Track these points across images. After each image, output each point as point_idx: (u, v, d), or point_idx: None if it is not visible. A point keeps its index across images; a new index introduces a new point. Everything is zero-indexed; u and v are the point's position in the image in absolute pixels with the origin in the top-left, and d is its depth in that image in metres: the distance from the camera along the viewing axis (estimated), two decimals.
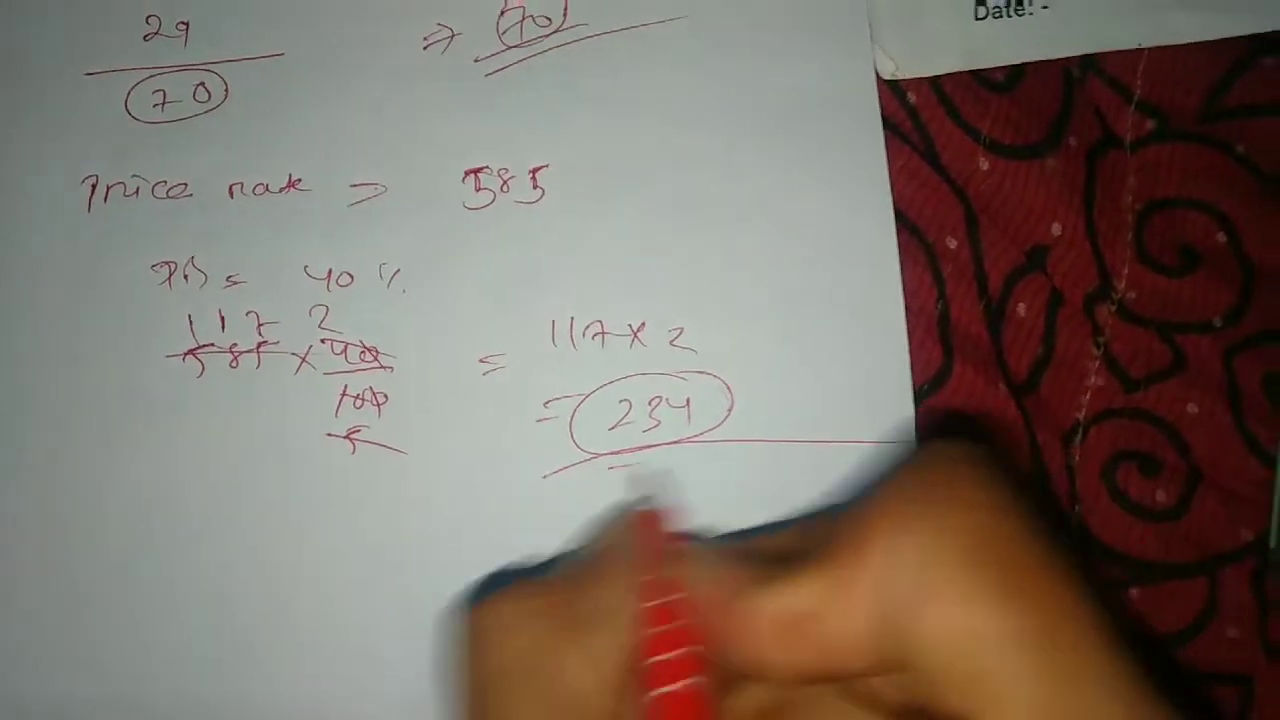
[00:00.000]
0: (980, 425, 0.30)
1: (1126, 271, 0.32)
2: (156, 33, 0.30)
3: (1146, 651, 0.27)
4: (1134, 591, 0.30)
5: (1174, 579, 0.30)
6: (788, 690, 0.20)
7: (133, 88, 0.29)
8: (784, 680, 0.19)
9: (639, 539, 0.22)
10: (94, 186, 0.29)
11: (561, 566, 0.22)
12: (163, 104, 0.29)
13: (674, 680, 0.19)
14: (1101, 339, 0.31)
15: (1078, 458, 0.30)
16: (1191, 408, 0.31)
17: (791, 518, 0.27)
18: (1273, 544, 0.30)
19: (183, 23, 0.30)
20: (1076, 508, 0.30)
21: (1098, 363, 0.31)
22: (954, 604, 0.17)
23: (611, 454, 0.28)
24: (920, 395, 0.29)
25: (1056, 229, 0.31)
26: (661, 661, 0.19)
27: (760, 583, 0.19)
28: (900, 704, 0.19)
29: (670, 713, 0.19)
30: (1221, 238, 0.32)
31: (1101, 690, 0.16)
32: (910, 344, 0.29)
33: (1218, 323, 0.32)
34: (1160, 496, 0.30)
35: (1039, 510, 0.18)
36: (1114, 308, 0.31)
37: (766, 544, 0.22)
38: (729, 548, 0.21)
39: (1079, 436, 0.31)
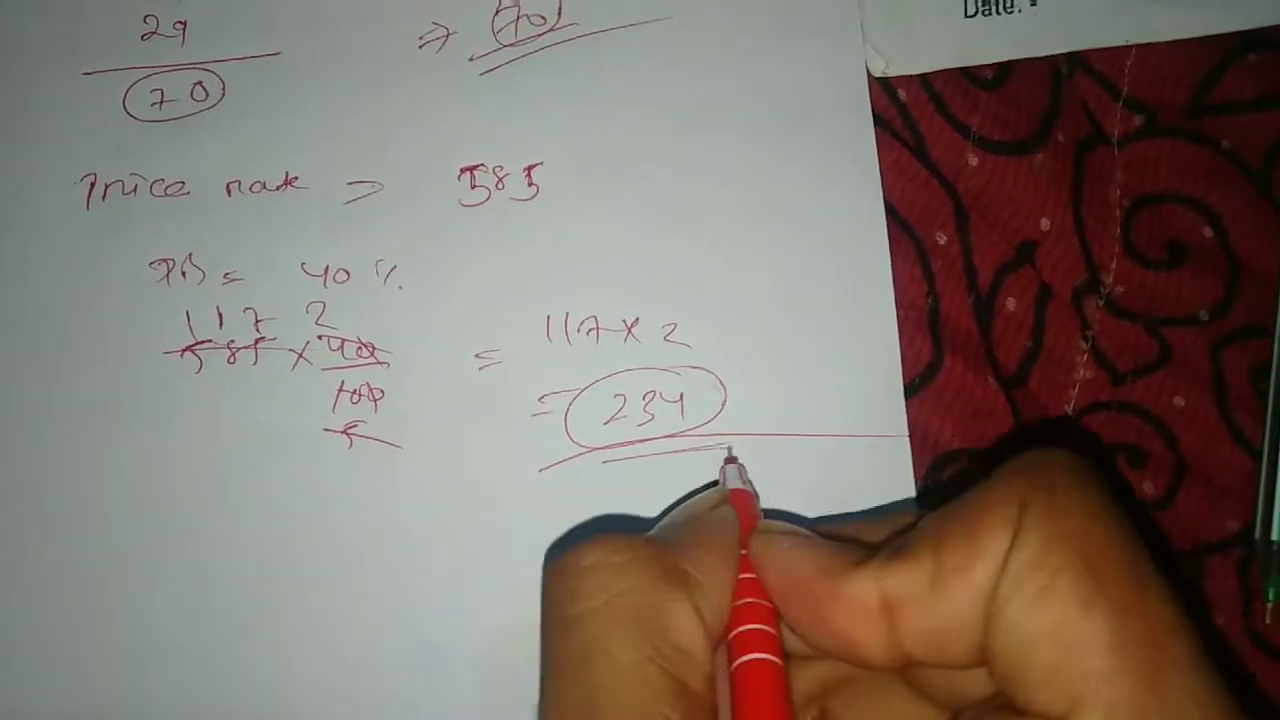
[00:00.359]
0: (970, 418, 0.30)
1: (1114, 266, 0.32)
2: (154, 32, 0.30)
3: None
4: None
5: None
6: (850, 671, 0.21)
7: (131, 87, 0.30)
8: (873, 665, 0.19)
9: (736, 514, 0.22)
10: (92, 185, 0.29)
11: (657, 529, 0.22)
12: (161, 103, 0.30)
13: (756, 651, 0.19)
14: (1090, 332, 0.32)
15: None
16: (1178, 400, 0.31)
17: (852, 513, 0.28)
18: (1258, 534, 0.30)
19: (180, 22, 0.30)
20: None
21: (1086, 356, 0.31)
22: (1065, 605, 0.17)
23: (606, 448, 0.28)
24: (910, 389, 0.30)
25: (1045, 224, 0.32)
26: (745, 632, 0.20)
27: (859, 566, 0.19)
28: (948, 695, 0.19)
29: (752, 682, 0.19)
30: (1208, 232, 0.33)
31: (1195, 710, 0.17)
32: (901, 338, 0.30)
33: (1204, 316, 0.32)
34: (1148, 488, 0.31)
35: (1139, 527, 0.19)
36: (1102, 302, 0.32)
37: (841, 531, 0.22)
38: (807, 532, 0.22)
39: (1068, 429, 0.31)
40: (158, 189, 0.29)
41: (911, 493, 0.29)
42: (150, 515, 0.27)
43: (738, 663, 0.19)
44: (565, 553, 0.20)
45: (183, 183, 0.29)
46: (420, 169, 0.29)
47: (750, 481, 0.25)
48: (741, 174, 0.30)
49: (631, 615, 0.19)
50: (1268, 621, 0.30)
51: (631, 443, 0.28)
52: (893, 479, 0.28)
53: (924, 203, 0.31)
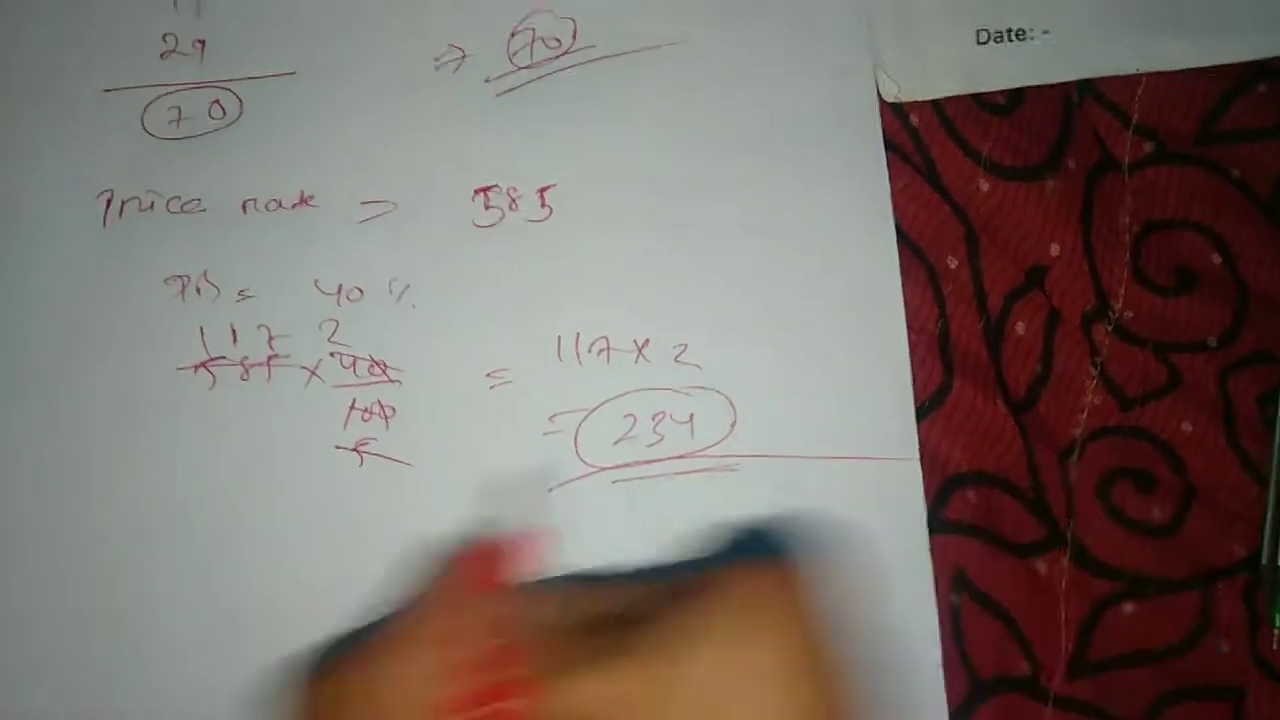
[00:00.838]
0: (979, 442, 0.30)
1: (1123, 291, 0.32)
2: (173, 51, 0.30)
3: None
4: (1128, 606, 0.30)
5: (1168, 593, 0.30)
6: None
7: (149, 104, 0.30)
8: None
9: (469, 580, 0.22)
10: (109, 201, 0.29)
11: (382, 628, 0.22)
12: (178, 120, 0.30)
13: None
14: (1099, 358, 0.32)
15: (1074, 474, 0.31)
16: (1186, 426, 0.31)
17: (641, 570, 0.28)
18: (1265, 560, 0.30)
19: (199, 41, 0.30)
20: (1072, 523, 0.30)
21: (1095, 381, 0.32)
22: None
23: (616, 468, 0.28)
24: (921, 412, 0.30)
25: (1055, 249, 0.32)
26: (498, 710, 0.20)
27: (582, 660, 0.20)
28: None
29: None
30: (1217, 259, 0.33)
31: None
32: (911, 361, 0.30)
33: (1213, 343, 0.32)
34: (1155, 513, 0.31)
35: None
36: (1111, 327, 0.32)
37: (609, 598, 0.22)
38: (566, 600, 0.22)
39: (1076, 453, 0.31)
40: (174, 205, 0.29)
41: (922, 514, 0.29)
42: (161, 530, 0.27)
43: None
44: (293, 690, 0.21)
45: (199, 200, 0.29)
46: (434, 189, 0.30)
47: (522, 523, 0.25)
48: (753, 196, 0.30)
49: None
50: (1275, 647, 0.30)
51: (641, 463, 0.28)
52: (902, 501, 0.28)
53: (935, 227, 0.32)
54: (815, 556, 0.27)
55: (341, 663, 0.21)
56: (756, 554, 0.27)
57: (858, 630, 0.22)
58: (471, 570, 0.23)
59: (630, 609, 0.21)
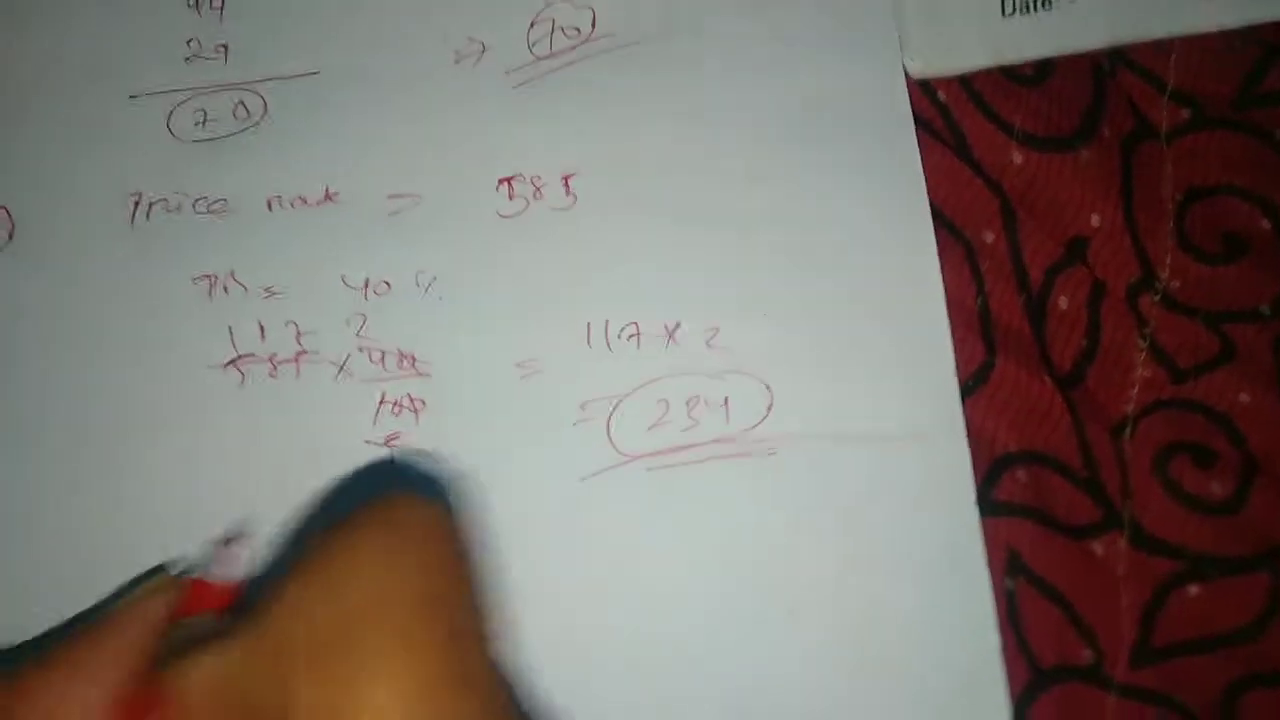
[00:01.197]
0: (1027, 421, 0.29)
1: (1169, 261, 0.31)
2: (197, 55, 0.31)
3: None
4: (1193, 588, 0.29)
5: (1234, 574, 0.29)
6: None
7: (174, 108, 0.30)
8: None
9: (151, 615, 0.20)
10: (136, 203, 0.29)
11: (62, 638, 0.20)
12: (203, 122, 0.30)
13: None
14: (1147, 330, 0.31)
15: (1128, 451, 0.30)
16: (1244, 397, 0.30)
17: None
18: None
19: (222, 45, 0.31)
20: (1128, 502, 0.29)
21: (1144, 354, 0.30)
22: (299, 671, 0.17)
23: (650, 455, 0.27)
24: (964, 391, 0.29)
25: (1095, 220, 0.31)
26: None
27: (199, 654, 0.18)
28: None
29: None
30: (1266, 224, 0.32)
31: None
32: (951, 340, 0.29)
33: (1266, 310, 0.31)
34: (1215, 488, 0.29)
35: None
36: (1158, 298, 0.31)
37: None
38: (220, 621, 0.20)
39: (1129, 429, 0.30)
40: (200, 206, 0.29)
41: (971, 495, 0.28)
42: (191, 527, 0.27)
43: None
44: None
45: (225, 200, 0.29)
46: (458, 181, 0.29)
47: (231, 567, 0.22)
48: (781, 178, 0.29)
49: None
50: None
51: (676, 449, 0.27)
52: (950, 482, 0.27)
53: (969, 202, 0.31)
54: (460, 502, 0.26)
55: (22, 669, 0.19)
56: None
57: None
58: (171, 602, 0.21)
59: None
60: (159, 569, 0.26)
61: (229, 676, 0.18)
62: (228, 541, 0.25)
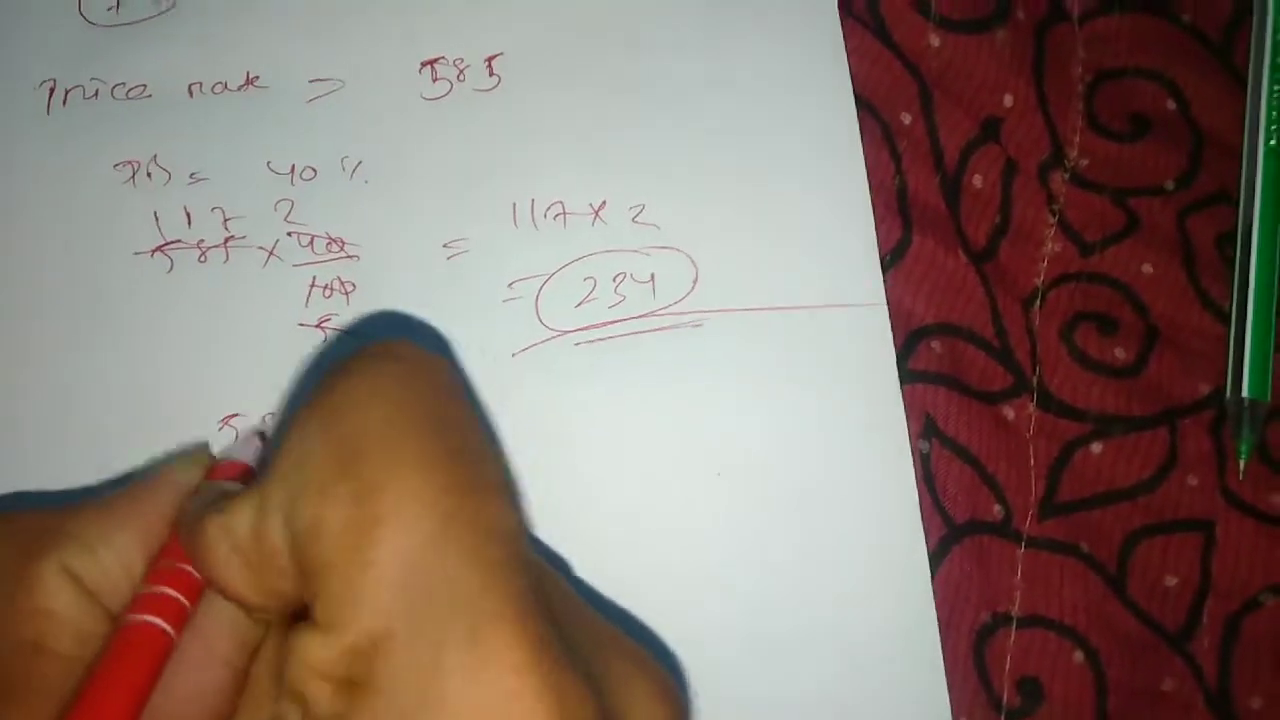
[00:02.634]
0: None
1: (1079, 140, 0.32)
2: None
3: None
4: (1096, 446, 0.30)
5: (1135, 432, 0.31)
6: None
7: None
8: (259, 607, 0.19)
9: (185, 482, 0.21)
10: (52, 90, 0.29)
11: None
12: (117, 6, 0.29)
13: (140, 613, 0.19)
14: (1057, 205, 0.32)
15: (1038, 321, 0.31)
16: (1147, 268, 0.32)
17: None
18: (1229, 394, 0.31)
19: None
20: (1037, 369, 0.31)
21: (1054, 229, 0.32)
22: (310, 497, 0.17)
23: (578, 330, 0.28)
24: (882, 267, 0.30)
25: (1008, 100, 0.32)
26: (143, 594, 0.19)
27: (214, 511, 0.18)
28: None
29: (117, 644, 0.18)
30: (1171, 105, 0.33)
31: (427, 578, 0.16)
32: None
33: (1170, 186, 0.32)
34: (1119, 354, 0.31)
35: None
36: (1068, 175, 0.32)
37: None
38: (237, 489, 0.21)
39: (1038, 301, 0.31)
40: (119, 93, 0.29)
41: (892, 360, 0.29)
42: (126, 413, 0.27)
43: (120, 621, 0.19)
44: None
45: (144, 86, 0.29)
46: (381, 64, 0.29)
47: (253, 453, 0.23)
48: (704, 55, 0.30)
49: None
50: (1240, 478, 0.30)
51: (604, 324, 0.28)
52: (872, 347, 0.29)
53: (888, 84, 0.31)
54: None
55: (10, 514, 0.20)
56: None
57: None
58: (200, 471, 0.22)
59: None
60: (190, 447, 0.26)
61: (253, 521, 0.18)
62: (249, 431, 0.26)
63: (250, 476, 0.22)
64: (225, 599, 0.19)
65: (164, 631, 0.19)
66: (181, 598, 0.19)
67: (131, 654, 0.18)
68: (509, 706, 0.15)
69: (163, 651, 0.19)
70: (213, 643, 0.19)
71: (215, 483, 0.21)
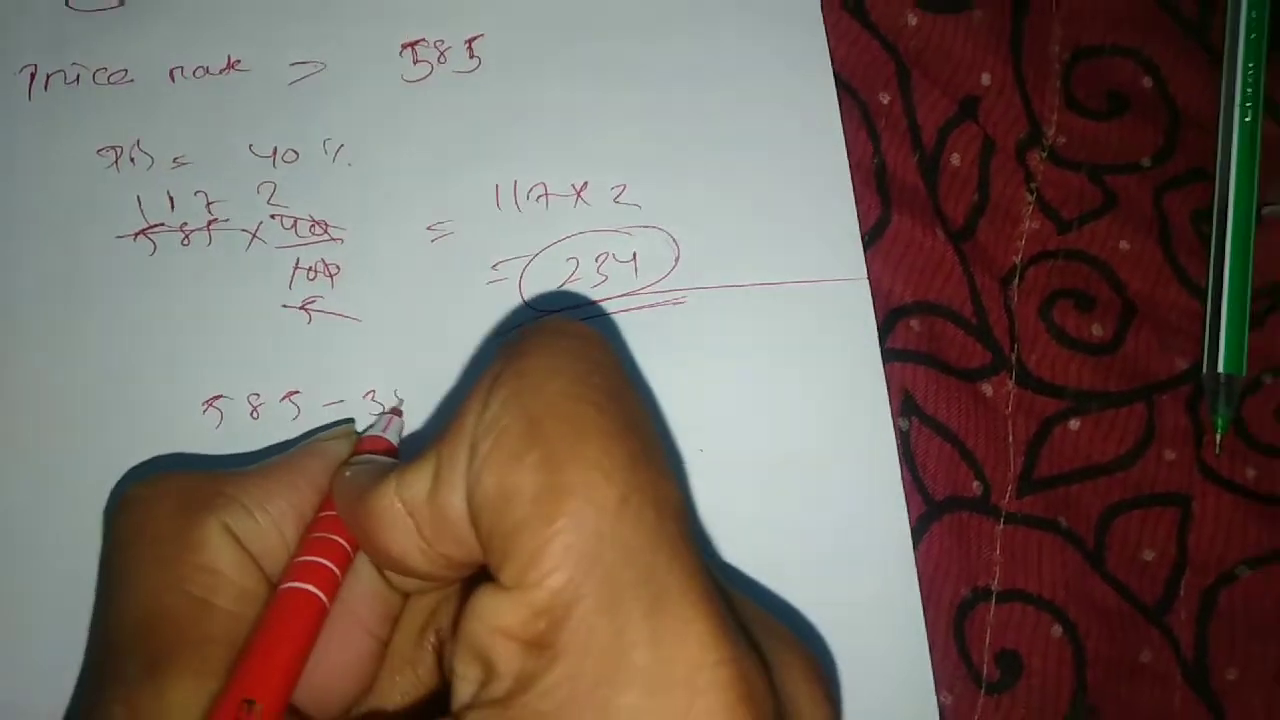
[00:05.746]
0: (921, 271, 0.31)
1: (1055, 118, 0.32)
2: None
3: None
4: (1074, 422, 0.31)
5: (1113, 408, 0.31)
6: (455, 594, 0.21)
7: None
8: (427, 574, 0.19)
9: (338, 454, 0.22)
10: (33, 75, 0.29)
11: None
12: None
13: (299, 581, 0.19)
14: (1034, 184, 0.32)
15: (1016, 298, 0.31)
16: (1124, 245, 0.32)
17: None
18: (1205, 369, 0.31)
19: None
20: (1016, 346, 0.31)
21: (1031, 207, 0.32)
22: (498, 464, 0.17)
23: (561, 310, 0.28)
24: (862, 246, 0.30)
25: (986, 79, 0.32)
26: (300, 562, 0.20)
27: (387, 478, 0.19)
28: None
29: (279, 610, 0.19)
30: (1147, 82, 0.33)
31: (624, 553, 0.16)
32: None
33: (1146, 163, 0.33)
34: (1096, 331, 0.31)
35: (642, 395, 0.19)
36: (1045, 153, 0.32)
37: None
38: (390, 462, 0.22)
39: (1016, 278, 0.32)
40: (100, 78, 0.29)
41: (874, 334, 0.29)
42: (110, 396, 0.27)
43: (277, 590, 0.20)
44: (121, 490, 0.21)
45: (125, 70, 0.29)
46: (362, 47, 0.30)
47: (395, 432, 0.24)
48: (684, 36, 0.30)
49: (157, 539, 0.20)
50: (1217, 453, 0.31)
51: (587, 303, 0.28)
52: (854, 322, 0.29)
53: (866, 64, 0.32)
54: None
55: (179, 472, 0.21)
56: None
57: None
58: (349, 445, 0.23)
59: None
60: (338, 423, 0.27)
61: (429, 487, 0.18)
62: (392, 411, 0.26)
63: (394, 454, 0.23)
64: (386, 567, 0.20)
65: (323, 600, 0.19)
66: (336, 569, 0.20)
67: (296, 618, 0.19)
68: (694, 677, 0.16)
69: (321, 619, 0.19)
70: (359, 614, 0.20)
71: (368, 455, 0.22)
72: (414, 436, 0.27)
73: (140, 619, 0.19)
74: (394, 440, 0.24)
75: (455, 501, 0.18)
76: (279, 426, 0.28)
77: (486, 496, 0.17)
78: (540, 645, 0.16)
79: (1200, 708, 0.29)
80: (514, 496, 0.17)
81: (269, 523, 0.20)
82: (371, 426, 0.24)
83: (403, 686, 0.21)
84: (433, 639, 0.21)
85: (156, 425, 0.27)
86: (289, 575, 0.20)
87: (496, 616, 0.17)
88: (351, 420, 0.27)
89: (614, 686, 0.16)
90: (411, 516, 0.18)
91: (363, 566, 0.21)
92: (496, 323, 0.28)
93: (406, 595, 0.21)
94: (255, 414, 0.28)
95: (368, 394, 0.28)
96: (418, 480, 0.18)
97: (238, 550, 0.20)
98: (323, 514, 0.21)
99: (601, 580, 0.16)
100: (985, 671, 0.29)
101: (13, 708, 0.25)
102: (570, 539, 0.16)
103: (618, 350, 0.20)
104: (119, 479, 0.27)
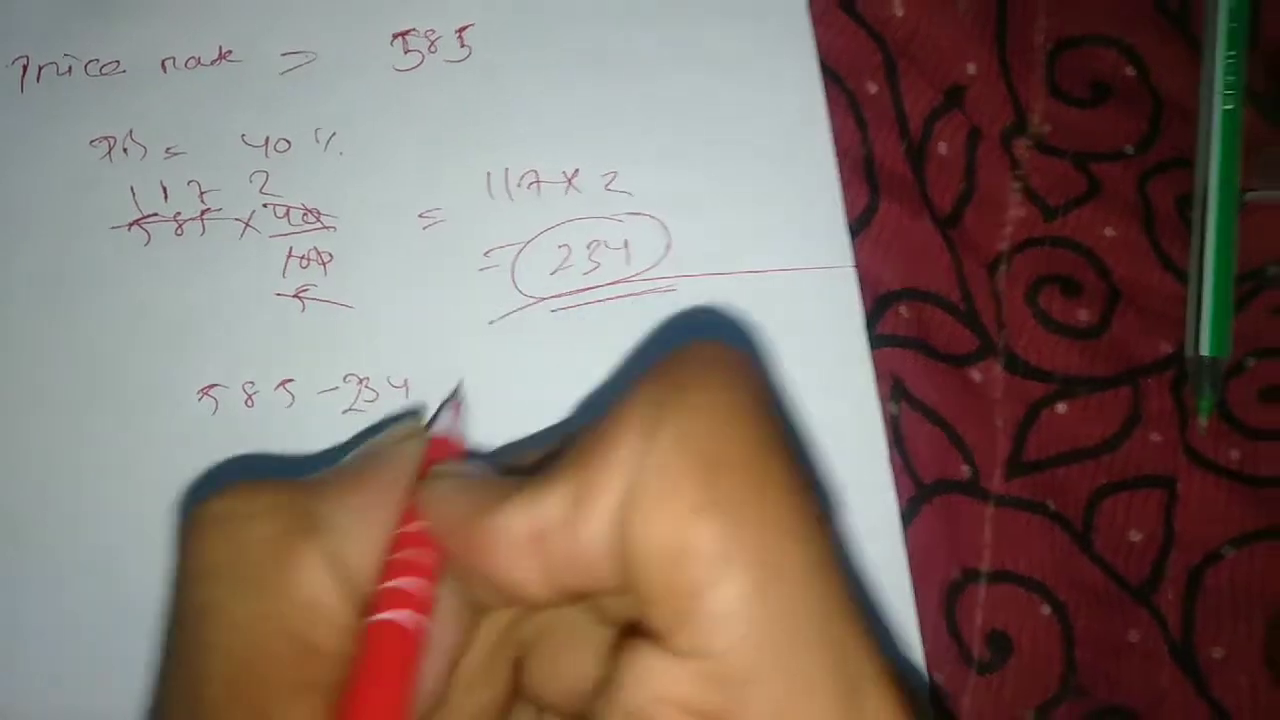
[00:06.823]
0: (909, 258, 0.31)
1: (1041, 107, 0.33)
2: None
3: None
4: (1061, 406, 0.31)
5: (1099, 391, 0.31)
6: (541, 615, 0.19)
7: None
8: (537, 602, 0.18)
9: (420, 450, 0.20)
10: (25, 67, 0.29)
11: (316, 472, 0.20)
12: None
13: (390, 610, 0.18)
14: (1020, 171, 0.32)
15: (1003, 285, 0.32)
16: (1109, 231, 0.32)
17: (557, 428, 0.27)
18: (1189, 352, 0.31)
19: None
20: (1003, 332, 0.31)
21: (1017, 194, 0.32)
22: (678, 514, 0.16)
23: (554, 297, 0.29)
24: (850, 233, 0.31)
25: (972, 69, 0.33)
26: (387, 589, 0.18)
27: (508, 498, 0.17)
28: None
29: (373, 645, 0.18)
30: (1130, 71, 0.34)
31: (803, 621, 0.16)
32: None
33: (1130, 150, 0.33)
34: (1082, 316, 0.32)
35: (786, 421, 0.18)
36: (1030, 141, 0.33)
37: (527, 459, 0.20)
38: (483, 472, 0.20)
39: (1004, 265, 0.32)
40: (92, 69, 0.29)
41: (861, 321, 0.29)
42: (105, 386, 0.28)
43: (370, 620, 0.18)
44: (197, 504, 0.18)
45: (117, 61, 0.29)
46: (353, 36, 0.30)
47: (461, 427, 0.23)
48: (674, 25, 0.30)
49: (252, 569, 0.18)
50: (1202, 435, 0.31)
51: (579, 290, 0.29)
52: (841, 310, 0.29)
53: (853, 54, 0.32)
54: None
55: (261, 484, 0.19)
56: None
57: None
58: (423, 447, 0.21)
59: (549, 458, 0.19)
60: (404, 417, 0.25)
61: (566, 515, 0.17)
62: (450, 404, 0.24)
63: (467, 458, 0.21)
64: (494, 591, 0.18)
65: (423, 632, 0.18)
66: (430, 594, 0.18)
67: (398, 655, 0.18)
68: None
69: (422, 652, 0.18)
70: (440, 634, 0.19)
71: (456, 465, 0.20)
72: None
73: (239, 664, 0.17)
74: (464, 440, 0.22)
75: (597, 537, 0.16)
76: (274, 414, 0.28)
77: (654, 547, 0.16)
78: (713, 716, 0.15)
79: (1187, 685, 0.30)
80: (692, 555, 0.16)
81: (365, 546, 0.18)
82: (436, 421, 0.22)
83: (472, 707, 0.20)
84: (510, 656, 0.20)
85: (152, 414, 0.27)
86: (383, 603, 0.18)
87: (665, 686, 0.16)
88: (417, 414, 0.26)
89: None
90: (536, 541, 0.17)
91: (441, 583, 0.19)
92: (488, 309, 0.28)
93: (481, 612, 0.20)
94: (250, 402, 0.28)
95: (362, 380, 0.28)
96: (553, 505, 0.17)
97: (336, 580, 0.18)
98: (404, 529, 0.19)
99: (782, 652, 0.15)
100: (976, 651, 0.29)
101: (12, 709, 0.26)
102: (759, 610, 0.15)
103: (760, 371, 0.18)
104: (190, 488, 0.26)
